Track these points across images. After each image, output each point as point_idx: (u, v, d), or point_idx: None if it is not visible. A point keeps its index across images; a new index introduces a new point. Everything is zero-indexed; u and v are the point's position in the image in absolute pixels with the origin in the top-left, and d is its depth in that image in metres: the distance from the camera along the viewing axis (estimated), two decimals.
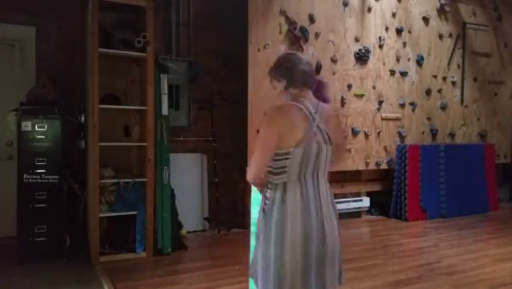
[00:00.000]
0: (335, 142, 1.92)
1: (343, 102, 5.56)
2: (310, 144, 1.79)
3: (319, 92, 1.96)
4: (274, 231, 1.78)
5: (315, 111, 1.85)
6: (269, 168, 1.84)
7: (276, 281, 1.76)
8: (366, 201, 5.88)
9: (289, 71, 1.87)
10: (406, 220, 5.65)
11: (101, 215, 3.91)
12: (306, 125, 1.79)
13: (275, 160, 1.81)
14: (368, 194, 5.95)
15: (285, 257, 1.76)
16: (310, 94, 1.89)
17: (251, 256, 1.97)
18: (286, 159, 1.79)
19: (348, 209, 5.75)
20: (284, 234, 1.76)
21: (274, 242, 1.78)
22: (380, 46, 5.85)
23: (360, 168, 5.77)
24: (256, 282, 1.89)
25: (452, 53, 6.48)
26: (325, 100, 1.95)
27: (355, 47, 5.65)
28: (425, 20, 6.21)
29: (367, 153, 5.78)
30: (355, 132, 5.66)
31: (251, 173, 1.87)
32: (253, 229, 1.97)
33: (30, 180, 3.78)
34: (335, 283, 1.90)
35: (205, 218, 5.00)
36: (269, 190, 1.85)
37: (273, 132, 1.78)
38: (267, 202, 1.84)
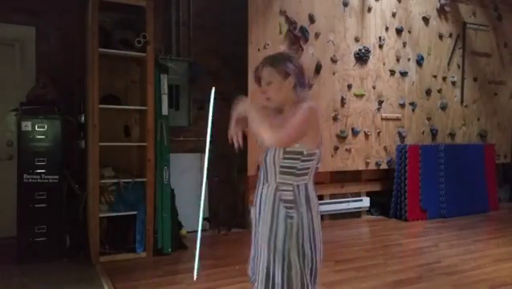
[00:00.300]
0: None
1: (343, 102, 5.56)
2: (322, 145, 1.85)
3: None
4: (306, 233, 1.77)
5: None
6: (291, 170, 1.79)
7: (298, 275, 1.76)
8: (366, 201, 5.88)
9: (299, 70, 1.83)
10: (406, 220, 5.65)
11: (101, 215, 3.91)
12: (320, 126, 1.83)
13: (303, 160, 1.78)
14: (368, 194, 5.95)
15: (306, 262, 1.78)
16: (309, 95, 1.90)
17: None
18: (311, 160, 1.80)
19: (348, 209, 5.75)
20: (315, 233, 1.79)
21: (301, 247, 1.76)
22: (380, 46, 5.85)
23: (360, 168, 5.78)
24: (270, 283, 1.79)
25: (452, 53, 6.49)
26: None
27: (355, 47, 5.65)
28: (425, 20, 6.21)
29: (367, 153, 5.78)
30: (355, 132, 5.66)
31: (285, 138, 1.75)
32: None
33: (30, 180, 3.77)
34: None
35: (205, 218, 5.00)
36: (287, 193, 1.79)
37: (306, 126, 1.77)
38: (290, 206, 1.77)
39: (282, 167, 1.79)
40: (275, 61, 1.84)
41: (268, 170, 1.84)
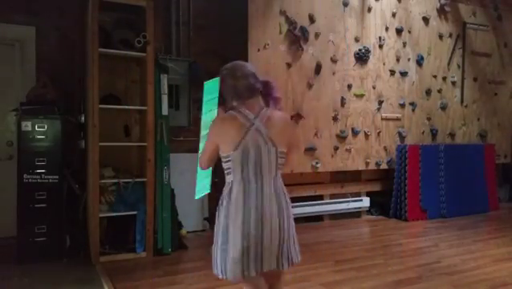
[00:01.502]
0: (285, 145, 2.10)
1: (343, 102, 5.56)
2: (248, 146, 2.00)
3: (269, 95, 2.14)
4: (222, 224, 2.03)
5: (255, 117, 2.04)
6: (224, 169, 2.08)
7: (221, 266, 2.03)
8: (366, 201, 5.88)
9: (230, 89, 2.09)
10: (406, 220, 5.65)
11: (101, 215, 3.91)
12: (241, 131, 2.00)
13: (223, 162, 2.06)
14: (368, 194, 5.95)
15: (228, 246, 1.99)
16: (253, 101, 2.08)
17: None
18: (229, 161, 2.03)
19: (348, 209, 5.75)
20: (229, 227, 2.00)
21: (221, 234, 2.03)
22: (380, 46, 5.85)
23: (360, 168, 5.78)
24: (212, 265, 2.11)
25: (452, 53, 6.49)
26: (275, 101, 2.14)
27: (355, 47, 5.65)
28: (425, 20, 6.21)
29: (367, 153, 5.79)
30: (355, 132, 5.66)
31: (200, 163, 2.19)
32: None
33: (30, 180, 3.77)
34: (277, 266, 2.07)
35: (205, 218, 5.00)
36: (226, 186, 2.08)
37: (211, 139, 2.08)
38: (221, 198, 2.08)
39: (278, 164, 2.07)
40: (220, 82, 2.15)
41: (263, 166, 2.03)
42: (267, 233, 2.01)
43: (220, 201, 2.08)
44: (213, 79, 2.17)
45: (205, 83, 2.22)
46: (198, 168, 2.26)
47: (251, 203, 2.00)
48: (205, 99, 2.20)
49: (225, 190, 2.06)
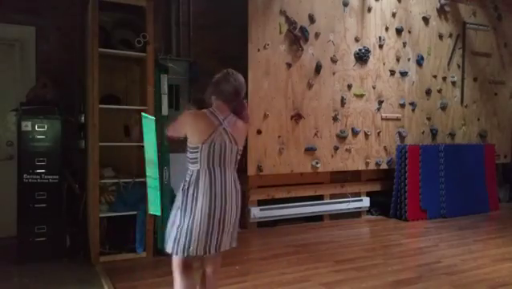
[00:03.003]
0: (242, 145, 2.48)
1: (343, 102, 5.56)
2: (215, 141, 2.35)
3: (239, 111, 2.49)
4: (188, 205, 2.31)
5: (224, 118, 2.40)
6: (187, 159, 2.40)
7: (183, 244, 2.29)
8: (366, 201, 5.88)
9: (220, 89, 2.44)
10: (406, 220, 5.65)
11: (101, 215, 3.90)
12: (211, 128, 2.35)
13: (190, 152, 2.37)
14: (368, 194, 5.95)
15: (193, 224, 2.29)
16: (227, 107, 2.44)
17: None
18: (197, 152, 2.35)
19: (348, 209, 5.75)
20: (195, 208, 2.30)
21: (187, 213, 2.31)
22: (380, 46, 5.85)
23: (360, 168, 5.78)
24: (167, 242, 2.38)
25: (452, 53, 6.49)
26: (242, 118, 2.49)
27: (355, 47, 5.65)
28: (425, 20, 6.21)
29: (367, 153, 5.79)
30: (355, 132, 5.66)
31: (169, 133, 2.59)
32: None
33: (30, 180, 3.77)
34: (230, 245, 2.45)
35: None
36: (187, 175, 2.38)
37: (182, 124, 2.41)
38: (185, 184, 2.36)
39: (187, 157, 2.42)
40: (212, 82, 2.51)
41: (226, 159, 2.40)
42: (228, 217, 2.36)
43: (184, 186, 2.36)
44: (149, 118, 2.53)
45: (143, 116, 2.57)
46: (149, 183, 2.53)
47: (217, 189, 2.33)
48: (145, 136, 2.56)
49: (191, 177, 2.35)
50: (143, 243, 4.03)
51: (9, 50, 4.47)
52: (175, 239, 2.31)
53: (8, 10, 4.30)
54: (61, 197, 3.92)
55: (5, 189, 4.18)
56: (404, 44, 6.04)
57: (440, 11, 6.35)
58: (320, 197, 5.62)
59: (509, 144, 7.22)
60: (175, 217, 2.36)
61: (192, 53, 5.09)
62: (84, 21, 4.31)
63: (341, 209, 5.71)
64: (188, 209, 2.31)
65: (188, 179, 2.37)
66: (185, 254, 2.30)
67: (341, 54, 5.55)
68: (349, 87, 5.61)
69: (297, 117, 5.24)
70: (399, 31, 5.98)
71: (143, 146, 2.67)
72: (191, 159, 2.37)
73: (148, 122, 2.50)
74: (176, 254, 2.33)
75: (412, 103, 6.13)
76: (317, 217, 5.60)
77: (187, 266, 2.41)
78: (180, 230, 2.30)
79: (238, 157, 2.47)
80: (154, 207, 2.54)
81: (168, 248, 2.35)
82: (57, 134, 3.89)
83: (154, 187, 2.50)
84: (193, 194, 2.31)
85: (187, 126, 2.37)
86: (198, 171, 2.34)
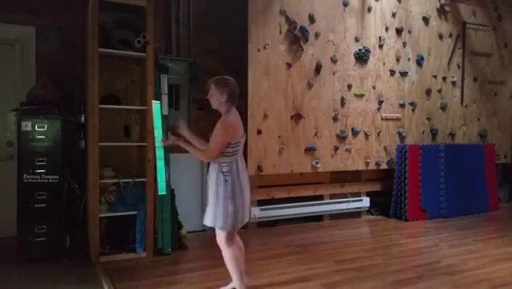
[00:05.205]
0: None
1: (343, 102, 5.56)
2: (244, 136, 2.99)
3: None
4: (231, 191, 2.86)
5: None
6: (225, 153, 2.86)
7: (231, 217, 2.88)
8: (366, 201, 5.88)
9: (232, 90, 2.94)
10: (406, 220, 5.65)
11: (101, 215, 3.90)
12: (241, 125, 2.98)
13: (232, 147, 2.88)
14: (368, 194, 5.95)
15: (237, 204, 2.89)
16: (234, 107, 2.99)
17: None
18: (238, 145, 2.92)
19: (348, 209, 5.75)
20: (236, 191, 2.88)
21: (231, 197, 2.86)
22: (380, 46, 5.85)
23: (360, 168, 5.78)
24: (215, 223, 2.91)
25: (452, 53, 6.49)
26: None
27: (355, 47, 5.65)
28: (425, 20, 6.21)
29: (367, 153, 5.79)
30: (355, 132, 5.66)
31: (211, 156, 2.91)
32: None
33: (30, 180, 3.77)
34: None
35: None
36: (224, 167, 2.86)
37: (225, 135, 2.86)
38: (227, 174, 2.85)
39: (224, 152, 2.89)
40: (218, 82, 2.95)
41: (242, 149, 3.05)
42: (248, 195, 3.01)
43: (226, 176, 2.85)
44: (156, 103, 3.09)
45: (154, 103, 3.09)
46: (160, 166, 3.06)
47: (245, 175, 2.98)
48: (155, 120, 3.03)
49: (230, 167, 2.86)
50: (143, 243, 4.03)
51: (9, 50, 4.47)
52: (227, 217, 2.86)
53: (8, 10, 4.30)
54: (61, 197, 3.92)
55: (5, 189, 4.19)
56: (404, 44, 6.04)
57: (440, 11, 6.35)
58: (320, 197, 5.62)
59: (509, 144, 7.22)
60: (227, 199, 2.85)
61: (192, 53, 5.09)
62: (84, 21, 4.31)
63: (341, 209, 5.71)
64: (236, 193, 2.86)
65: (227, 170, 2.86)
66: (235, 228, 2.94)
67: (341, 54, 5.55)
68: (349, 87, 5.61)
69: (297, 117, 5.24)
70: (399, 31, 5.98)
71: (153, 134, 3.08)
72: (231, 152, 2.88)
73: (157, 107, 3.06)
74: (231, 228, 2.91)
75: (412, 103, 6.13)
76: (317, 217, 5.60)
77: (234, 235, 3.02)
78: (232, 212, 2.85)
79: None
80: (160, 186, 3.11)
81: (222, 225, 2.89)
82: (57, 134, 3.89)
83: (160, 158, 3.05)
84: (236, 181, 2.86)
85: (229, 135, 2.86)
86: (236, 161, 2.89)
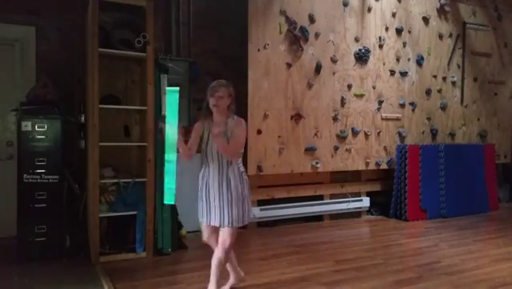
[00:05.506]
0: None
1: (343, 102, 5.56)
2: None
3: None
4: (248, 189, 3.00)
5: None
6: (240, 154, 2.98)
7: (250, 212, 3.02)
8: (366, 201, 5.88)
9: (234, 95, 3.01)
10: (406, 220, 5.65)
11: (101, 215, 3.90)
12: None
13: (244, 147, 3.01)
14: (368, 194, 5.95)
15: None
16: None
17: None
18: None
19: (348, 209, 5.75)
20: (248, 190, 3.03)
21: (248, 195, 2.98)
22: (380, 46, 5.85)
23: (360, 168, 5.78)
24: (242, 220, 2.92)
25: (452, 53, 6.49)
26: None
27: (355, 47, 5.65)
28: (425, 20, 6.21)
29: (367, 153, 5.79)
30: (355, 132, 5.66)
31: (238, 155, 2.97)
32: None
33: (30, 180, 3.78)
34: None
35: None
36: (241, 166, 2.98)
37: (245, 138, 3.02)
38: (245, 173, 2.98)
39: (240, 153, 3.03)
40: (227, 85, 2.97)
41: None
42: None
43: (244, 176, 2.96)
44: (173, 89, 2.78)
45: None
46: (171, 169, 2.72)
47: None
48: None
49: (242, 168, 2.98)
50: (143, 243, 4.03)
51: (9, 50, 4.47)
52: (250, 213, 3.01)
53: (8, 10, 4.30)
54: (61, 197, 3.92)
55: (5, 189, 4.18)
56: (404, 44, 6.04)
57: (440, 11, 6.35)
58: (320, 197, 5.62)
59: (509, 144, 7.22)
60: (246, 198, 2.95)
61: (192, 53, 5.08)
62: (84, 21, 4.31)
63: (341, 209, 5.71)
64: (248, 193, 2.99)
65: (243, 169, 3.00)
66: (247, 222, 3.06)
67: (341, 54, 5.55)
68: (349, 87, 5.61)
69: (297, 117, 5.24)
70: (399, 31, 5.98)
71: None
72: (241, 153, 3.00)
73: (172, 94, 2.79)
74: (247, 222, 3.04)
75: (412, 103, 6.13)
76: (317, 217, 5.60)
77: None
78: (249, 210, 2.99)
79: None
80: (169, 194, 2.69)
81: (247, 221, 2.99)
82: (57, 134, 3.89)
83: (171, 172, 2.67)
84: (246, 181, 2.98)
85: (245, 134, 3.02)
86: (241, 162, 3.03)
